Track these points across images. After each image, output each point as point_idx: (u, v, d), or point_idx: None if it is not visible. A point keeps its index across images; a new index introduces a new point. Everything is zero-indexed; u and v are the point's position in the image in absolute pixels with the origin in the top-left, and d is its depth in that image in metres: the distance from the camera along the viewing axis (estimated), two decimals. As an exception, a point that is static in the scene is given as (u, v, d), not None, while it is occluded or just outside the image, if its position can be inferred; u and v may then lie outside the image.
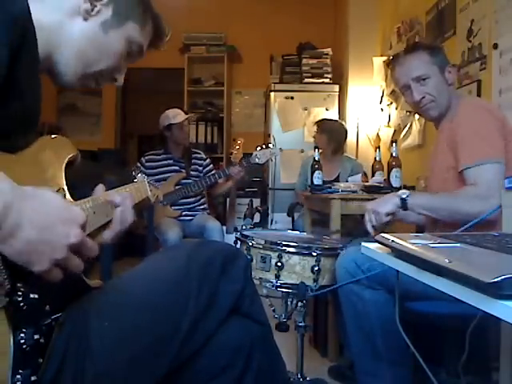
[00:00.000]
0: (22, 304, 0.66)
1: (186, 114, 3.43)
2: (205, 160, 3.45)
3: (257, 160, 3.06)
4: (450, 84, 1.68)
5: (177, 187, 3.25)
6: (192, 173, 3.34)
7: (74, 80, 0.89)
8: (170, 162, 3.33)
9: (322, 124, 3.61)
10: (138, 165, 3.37)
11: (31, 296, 0.68)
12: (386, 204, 1.54)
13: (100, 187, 0.99)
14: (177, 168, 3.33)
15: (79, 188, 0.96)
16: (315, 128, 3.61)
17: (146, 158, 3.36)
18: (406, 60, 1.70)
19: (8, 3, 0.73)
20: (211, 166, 3.46)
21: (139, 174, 1.22)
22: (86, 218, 0.68)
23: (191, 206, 3.30)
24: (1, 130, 0.74)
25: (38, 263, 0.62)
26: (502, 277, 0.52)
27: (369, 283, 1.52)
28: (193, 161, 3.39)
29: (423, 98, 1.65)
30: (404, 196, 1.51)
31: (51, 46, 0.85)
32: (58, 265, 0.64)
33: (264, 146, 3.12)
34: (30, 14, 0.77)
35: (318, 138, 3.54)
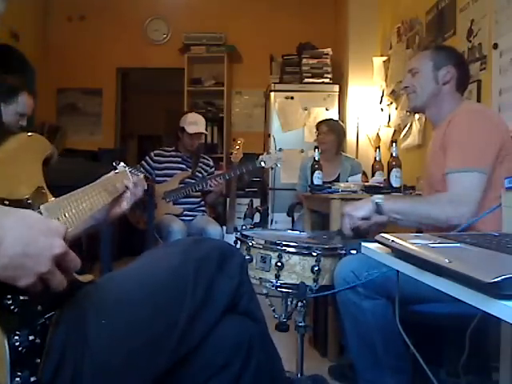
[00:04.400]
0: (12, 307, 0.66)
1: (206, 127, 3.54)
2: (211, 167, 3.53)
3: (262, 164, 3.13)
4: (444, 83, 1.71)
5: (180, 185, 3.29)
6: (197, 174, 3.39)
7: None
8: (179, 159, 3.39)
9: (330, 123, 3.63)
10: (147, 158, 3.40)
11: (21, 298, 0.67)
12: (361, 208, 1.59)
13: None
14: (183, 166, 3.39)
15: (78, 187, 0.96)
16: (324, 128, 3.59)
17: (156, 152, 3.43)
18: (417, 54, 1.94)
19: None
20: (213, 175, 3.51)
21: (120, 164, 1.22)
22: (66, 229, 0.67)
23: (192, 206, 3.33)
24: None
25: (23, 278, 0.62)
26: (502, 277, 0.52)
27: (367, 293, 1.52)
28: (200, 164, 3.45)
29: (407, 87, 1.80)
30: (378, 201, 1.56)
31: None
32: (42, 279, 0.64)
33: (271, 152, 3.27)
34: None
35: (326, 137, 3.54)
